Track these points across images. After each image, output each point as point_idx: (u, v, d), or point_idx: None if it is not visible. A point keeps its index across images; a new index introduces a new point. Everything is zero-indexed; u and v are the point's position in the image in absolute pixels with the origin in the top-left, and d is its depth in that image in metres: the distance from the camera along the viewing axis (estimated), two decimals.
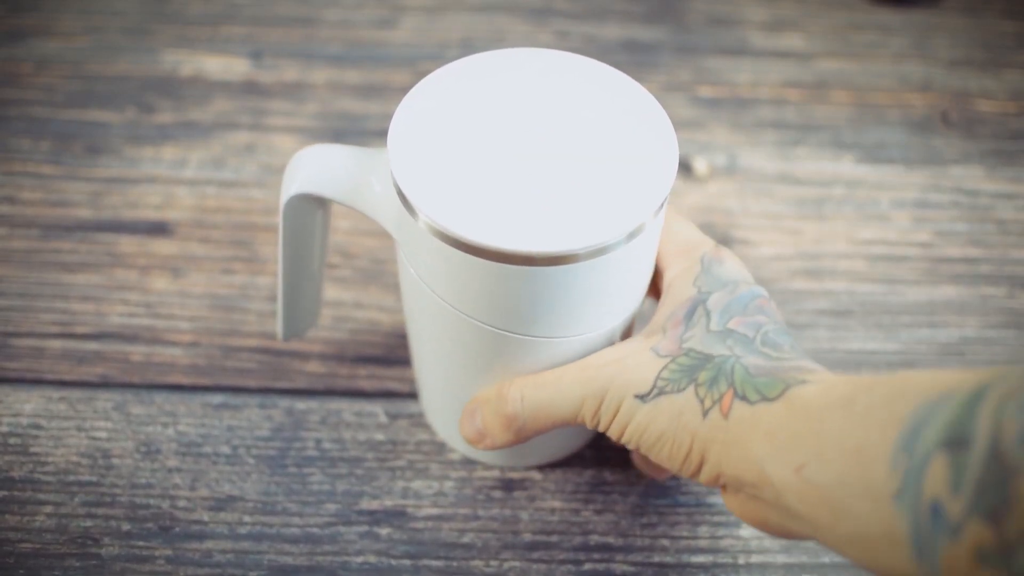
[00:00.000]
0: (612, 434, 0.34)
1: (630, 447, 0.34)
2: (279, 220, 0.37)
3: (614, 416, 0.34)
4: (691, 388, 0.32)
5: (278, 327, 0.42)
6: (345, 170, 0.35)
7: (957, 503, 0.24)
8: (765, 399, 0.31)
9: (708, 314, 0.34)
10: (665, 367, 0.33)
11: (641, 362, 0.34)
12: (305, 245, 0.39)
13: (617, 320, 0.36)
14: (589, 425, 0.35)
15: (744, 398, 0.31)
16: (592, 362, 0.34)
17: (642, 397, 0.33)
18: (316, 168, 0.36)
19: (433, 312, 0.35)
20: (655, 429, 0.33)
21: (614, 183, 0.32)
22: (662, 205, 0.33)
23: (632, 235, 0.32)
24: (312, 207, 0.37)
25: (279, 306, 0.40)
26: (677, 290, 0.35)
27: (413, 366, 0.42)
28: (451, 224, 0.31)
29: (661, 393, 0.33)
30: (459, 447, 0.42)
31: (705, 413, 0.32)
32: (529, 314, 0.33)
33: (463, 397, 0.38)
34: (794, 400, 0.30)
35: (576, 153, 0.33)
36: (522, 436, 0.35)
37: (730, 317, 0.34)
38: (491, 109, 0.34)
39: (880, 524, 0.26)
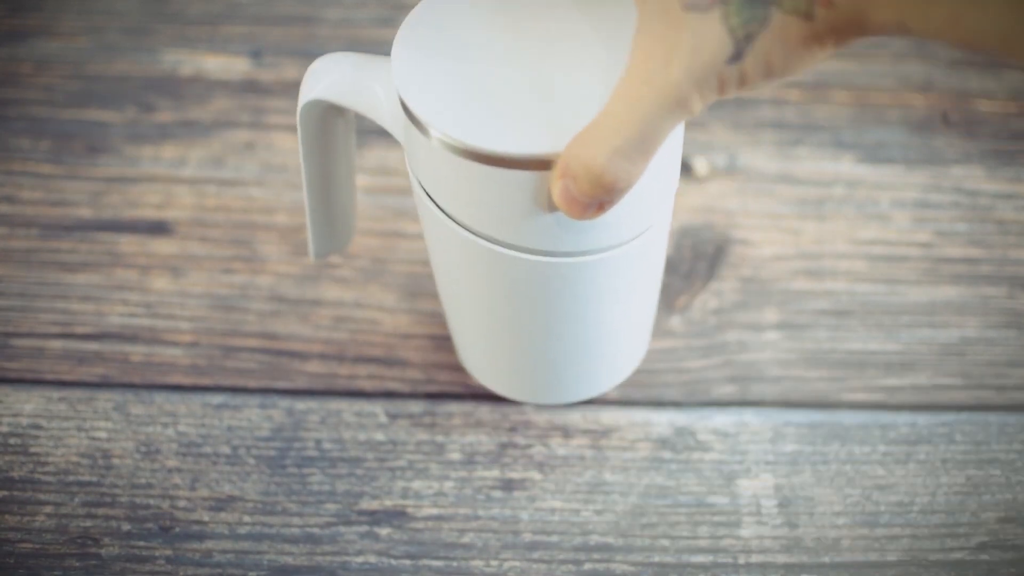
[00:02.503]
0: (732, 95, 0.30)
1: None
2: (298, 131, 0.36)
3: (721, 91, 0.29)
4: (773, 11, 0.27)
5: (309, 246, 0.41)
6: (355, 79, 0.35)
7: None
8: None
9: None
10: (725, 16, 0.28)
11: (697, 30, 0.28)
12: (328, 157, 0.38)
13: (643, 226, 0.34)
14: (699, 112, 0.30)
15: None
16: (651, 75, 0.29)
17: (735, 59, 0.28)
18: (329, 78, 0.35)
19: (450, 238, 0.34)
20: (772, 70, 0.29)
21: None
22: None
23: None
24: (330, 115, 0.37)
25: (308, 223, 0.40)
26: None
27: (443, 307, 0.41)
28: (460, 133, 0.30)
29: (750, 39, 0.28)
30: (498, 390, 0.42)
31: (809, 16, 0.27)
32: (549, 225, 0.32)
33: (497, 329, 0.37)
34: None
35: (587, 63, 0.32)
36: (637, 176, 0.31)
37: None
38: (500, 27, 0.33)
39: None
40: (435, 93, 0.31)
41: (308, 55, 0.58)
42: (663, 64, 0.28)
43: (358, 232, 0.49)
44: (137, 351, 0.45)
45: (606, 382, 0.42)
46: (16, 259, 0.48)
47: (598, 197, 0.30)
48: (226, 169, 0.52)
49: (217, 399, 0.44)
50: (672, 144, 0.33)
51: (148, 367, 0.45)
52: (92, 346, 0.45)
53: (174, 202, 0.51)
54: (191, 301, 0.47)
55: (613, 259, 0.34)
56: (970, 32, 0.25)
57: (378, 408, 0.44)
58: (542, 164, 0.30)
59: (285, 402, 0.44)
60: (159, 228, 0.50)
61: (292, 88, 0.56)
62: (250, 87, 0.56)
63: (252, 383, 0.44)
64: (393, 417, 0.43)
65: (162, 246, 0.49)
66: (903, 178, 0.53)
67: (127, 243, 0.49)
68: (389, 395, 0.44)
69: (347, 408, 0.44)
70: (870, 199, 0.52)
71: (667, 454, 0.43)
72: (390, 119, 0.34)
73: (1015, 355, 0.46)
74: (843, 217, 0.51)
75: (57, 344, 0.45)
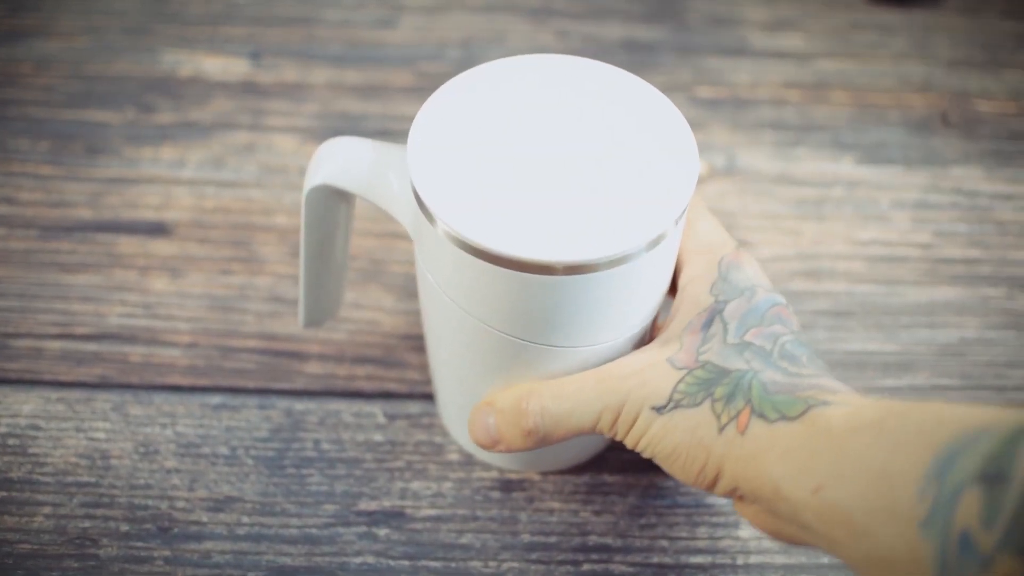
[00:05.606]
0: (628, 443, 0.35)
1: (645, 456, 0.35)
2: (302, 209, 0.37)
3: (631, 427, 0.34)
4: (707, 403, 0.33)
5: (299, 315, 0.41)
6: (367, 166, 0.35)
7: (989, 536, 0.24)
8: (784, 418, 0.31)
9: (725, 325, 0.34)
10: (681, 380, 0.33)
11: (658, 374, 0.34)
12: (328, 235, 0.39)
13: (636, 328, 0.35)
14: (607, 434, 0.35)
15: (762, 416, 0.31)
16: (611, 373, 0.34)
17: (658, 409, 0.33)
18: (339, 162, 0.35)
19: (450, 318, 0.35)
20: (670, 442, 0.33)
21: (634, 192, 0.32)
22: (682, 214, 0.32)
23: (652, 244, 0.32)
24: (335, 199, 0.37)
25: (300, 294, 0.40)
26: (693, 295, 0.35)
27: (430, 369, 0.41)
28: (469, 232, 0.31)
29: (677, 406, 0.33)
30: (477, 453, 0.42)
31: (721, 429, 0.32)
32: (547, 323, 0.33)
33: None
34: (816, 421, 0.30)
35: (596, 161, 0.33)
36: (539, 445, 0.36)
37: (747, 328, 0.34)
38: (511, 116, 0.34)
39: (904, 549, 0.26)
40: (448, 185, 0.32)
41: (307, 56, 0.58)
42: (624, 373, 0.34)
43: (358, 233, 0.49)
44: (136, 352, 0.45)
45: (584, 455, 0.42)
46: (15, 260, 0.48)
47: (513, 448, 0.36)
48: (225, 170, 0.52)
49: (215, 400, 0.44)
50: (670, 253, 0.34)
51: (147, 368, 0.45)
52: (91, 347, 0.45)
53: (173, 203, 0.51)
54: (190, 302, 0.47)
55: (612, 347, 0.35)
56: (827, 503, 0.29)
57: (376, 409, 0.44)
58: (544, 269, 0.31)
59: (284, 403, 0.44)
60: (158, 229, 0.50)
61: (291, 90, 0.56)
62: (249, 88, 0.56)
63: (251, 384, 0.44)
64: (391, 418, 0.43)
65: (161, 247, 0.49)
66: (903, 178, 0.53)
67: (126, 244, 0.49)
68: (387, 396, 0.44)
69: (346, 409, 0.44)
70: (870, 200, 0.52)
71: None
72: (400, 209, 0.35)
73: (1014, 356, 0.46)
74: (842, 218, 0.51)
75: (56, 345, 0.45)
